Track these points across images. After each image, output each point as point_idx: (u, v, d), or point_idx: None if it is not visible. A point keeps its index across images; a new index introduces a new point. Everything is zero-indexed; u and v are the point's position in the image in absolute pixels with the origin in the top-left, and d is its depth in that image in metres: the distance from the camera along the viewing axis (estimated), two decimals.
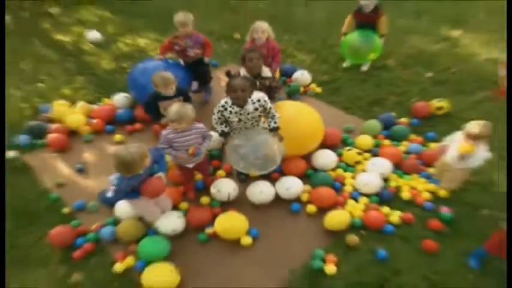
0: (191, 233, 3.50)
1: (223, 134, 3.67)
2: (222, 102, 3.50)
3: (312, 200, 3.67)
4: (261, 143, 3.47)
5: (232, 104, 3.45)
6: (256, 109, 3.48)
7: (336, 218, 3.43)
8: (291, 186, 3.68)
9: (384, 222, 3.46)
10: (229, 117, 3.51)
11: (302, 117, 3.94)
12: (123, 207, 3.54)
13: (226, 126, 3.63)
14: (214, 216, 3.52)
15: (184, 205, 3.70)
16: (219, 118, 3.56)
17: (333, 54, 5.90)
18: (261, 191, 3.65)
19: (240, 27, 6.63)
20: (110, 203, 3.64)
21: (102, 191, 3.75)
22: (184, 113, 3.26)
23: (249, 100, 3.45)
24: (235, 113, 3.48)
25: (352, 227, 3.46)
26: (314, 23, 6.69)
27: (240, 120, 3.53)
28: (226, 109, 3.48)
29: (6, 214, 3.69)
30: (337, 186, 3.81)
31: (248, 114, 3.49)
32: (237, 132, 3.64)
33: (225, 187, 3.69)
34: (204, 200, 3.74)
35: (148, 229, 3.49)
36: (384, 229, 3.44)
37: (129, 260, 3.26)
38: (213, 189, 3.71)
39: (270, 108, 3.53)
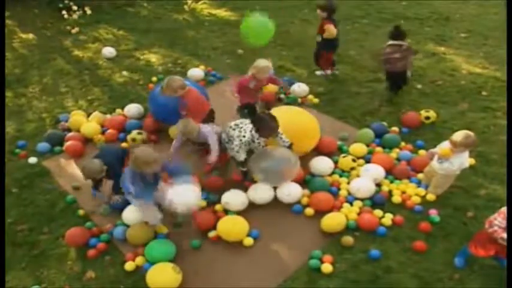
0: (197, 235, 3.46)
1: (243, 163, 3.76)
2: (248, 135, 3.58)
3: (311, 205, 3.63)
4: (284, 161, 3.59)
5: (260, 136, 3.61)
6: None
7: (333, 221, 3.40)
8: (291, 192, 3.65)
9: (376, 224, 3.42)
10: (255, 147, 3.67)
11: (295, 117, 4.01)
12: (129, 215, 3.48)
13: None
14: (218, 219, 3.48)
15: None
16: (244, 146, 3.64)
17: None
18: (260, 197, 3.64)
19: (243, 43, 6.64)
20: (120, 209, 3.58)
21: (112, 202, 3.68)
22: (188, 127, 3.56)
23: None
24: (261, 142, 3.65)
25: (347, 229, 3.42)
26: (309, 40, 6.70)
27: (262, 146, 3.69)
28: (254, 141, 3.63)
29: (28, 215, 3.69)
30: (334, 190, 3.78)
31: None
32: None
33: (235, 199, 3.63)
34: (219, 207, 3.68)
35: (157, 233, 3.45)
36: (377, 231, 3.40)
37: (139, 259, 3.23)
38: (223, 201, 3.65)
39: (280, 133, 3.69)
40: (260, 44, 4.78)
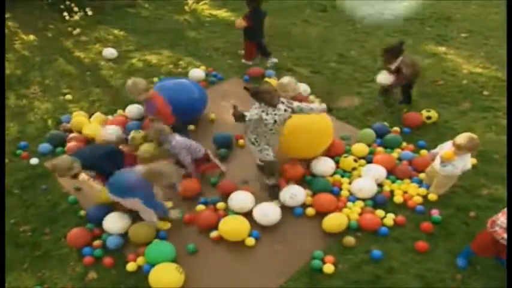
0: (198, 235, 3.45)
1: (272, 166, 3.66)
2: (258, 109, 3.36)
3: (315, 206, 3.59)
4: None
5: (266, 105, 3.36)
6: (285, 110, 3.43)
7: (335, 221, 3.38)
8: (295, 194, 3.60)
9: (378, 225, 3.41)
10: (266, 119, 3.35)
11: (312, 118, 3.82)
12: (110, 223, 3.43)
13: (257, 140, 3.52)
14: (219, 219, 3.48)
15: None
16: (254, 124, 3.39)
17: (328, 68, 5.88)
18: (266, 214, 3.49)
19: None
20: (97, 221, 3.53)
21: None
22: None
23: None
24: (271, 114, 3.36)
25: (349, 229, 3.42)
26: (310, 41, 6.70)
27: (275, 121, 3.38)
28: (263, 111, 3.35)
29: (30, 216, 3.70)
30: (336, 191, 3.76)
31: (280, 115, 3.40)
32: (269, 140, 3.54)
33: (242, 201, 3.60)
34: (220, 206, 3.68)
35: (158, 232, 3.45)
36: (379, 231, 3.39)
37: (141, 260, 3.23)
38: (230, 202, 3.63)
39: (297, 106, 3.48)
40: None
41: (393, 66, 4.55)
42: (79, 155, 3.43)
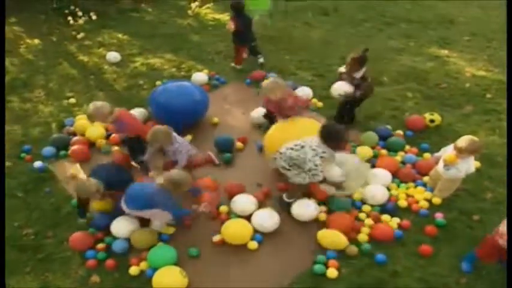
0: (201, 239, 3.43)
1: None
2: (306, 148, 3.23)
3: (331, 225, 3.42)
4: None
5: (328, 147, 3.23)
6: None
7: (332, 238, 3.29)
8: (306, 211, 3.50)
9: (392, 233, 3.36)
10: (310, 160, 3.23)
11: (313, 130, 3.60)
12: (118, 227, 3.40)
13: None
14: (222, 223, 3.46)
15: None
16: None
17: (331, 71, 5.85)
18: (262, 224, 3.42)
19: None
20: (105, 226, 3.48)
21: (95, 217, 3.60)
22: None
23: None
24: (317, 156, 3.23)
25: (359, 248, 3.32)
26: (312, 44, 6.69)
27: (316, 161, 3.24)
28: (314, 149, 3.22)
29: (33, 219, 3.69)
30: (358, 204, 3.68)
31: (325, 153, 3.24)
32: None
33: (245, 203, 3.58)
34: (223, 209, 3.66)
35: (160, 236, 3.43)
36: (395, 235, 3.35)
37: (144, 264, 3.22)
38: (232, 204, 3.61)
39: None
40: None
41: (358, 75, 4.24)
42: (97, 177, 3.31)
